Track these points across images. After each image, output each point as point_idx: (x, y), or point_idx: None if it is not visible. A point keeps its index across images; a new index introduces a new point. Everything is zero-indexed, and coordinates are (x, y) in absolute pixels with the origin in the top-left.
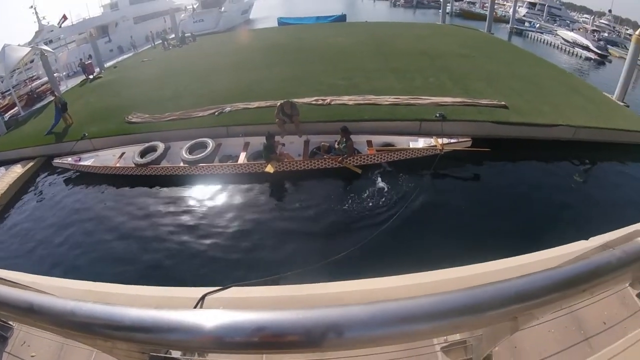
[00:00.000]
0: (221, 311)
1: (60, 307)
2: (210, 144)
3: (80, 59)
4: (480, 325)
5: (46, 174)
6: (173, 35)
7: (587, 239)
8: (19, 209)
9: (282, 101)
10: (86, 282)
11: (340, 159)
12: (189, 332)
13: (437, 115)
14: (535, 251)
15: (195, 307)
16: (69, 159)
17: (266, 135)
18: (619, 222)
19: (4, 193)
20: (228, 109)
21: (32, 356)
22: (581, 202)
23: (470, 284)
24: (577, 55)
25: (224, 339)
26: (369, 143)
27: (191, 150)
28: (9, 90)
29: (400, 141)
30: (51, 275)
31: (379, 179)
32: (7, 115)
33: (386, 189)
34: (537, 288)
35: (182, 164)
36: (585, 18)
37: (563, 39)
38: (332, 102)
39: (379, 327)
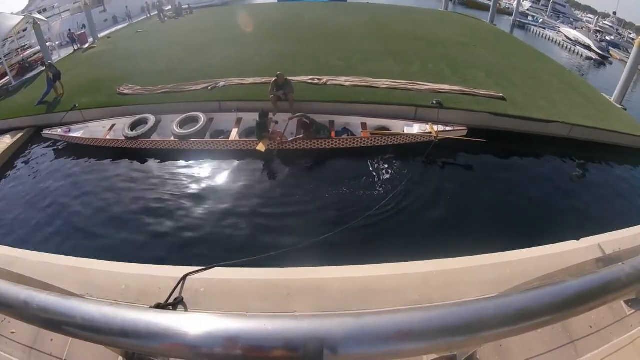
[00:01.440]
0: (186, 315)
1: (14, 296)
2: (202, 118)
3: (69, 30)
4: (481, 342)
5: (35, 145)
6: (169, 7)
7: (577, 239)
8: (7, 181)
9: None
10: (68, 257)
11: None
12: (143, 338)
13: (434, 102)
14: (520, 247)
15: (175, 287)
16: (59, 130)
17: (259, 113)
18: (607, 224)
19: None
20: (222, 83)
21: (12, 332)
22: (571, 200)
23: (456, 278)
24: (578, 53)
25: (184, 349)
26: (364, 125)
27: (182, 125)
28: (0, 59)
29: (396, 126)
30: (37, 248)
31: (372, 162)
32: None
33: (378, 174)
34: (544, 305)
35: (172, 138)
36: (589, 18)
37: (565, 36)
38: (328, 82)
39: (373, 345)
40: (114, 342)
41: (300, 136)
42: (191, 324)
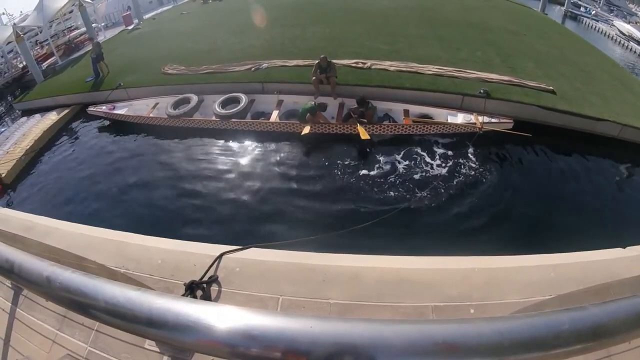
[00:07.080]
0: (218, 307)
1: (37, 272)
2: (244, 99)
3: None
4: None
5: (80, 121)
6: None
7: (624, 247)
8: (51, 155)
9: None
10: (106, 229)
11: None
12: (171, 329)
13: (481, 91)
14: (559, 250)
15: (211, 266)
16: (103, 107)
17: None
18: None
19: (38, 139)
20: (265, 65)
21: (47, 300)
22: (616, 205)
23: (498, 277)
24: (631, 49)
25: (210, 344)
26: (406, 112)
27: (224, 105)
28: (47, 40)
29: (439, 114)
30: (76, 220)
31: (412, 150)
32: (45, 64)
33: (419, 163)
34: (619, 322)
35: (214, 118)
36: None
37: (619, 30)
38: (373, 67)
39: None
40: (138, 331)
41: (337, 122)
42: (224, 318)
